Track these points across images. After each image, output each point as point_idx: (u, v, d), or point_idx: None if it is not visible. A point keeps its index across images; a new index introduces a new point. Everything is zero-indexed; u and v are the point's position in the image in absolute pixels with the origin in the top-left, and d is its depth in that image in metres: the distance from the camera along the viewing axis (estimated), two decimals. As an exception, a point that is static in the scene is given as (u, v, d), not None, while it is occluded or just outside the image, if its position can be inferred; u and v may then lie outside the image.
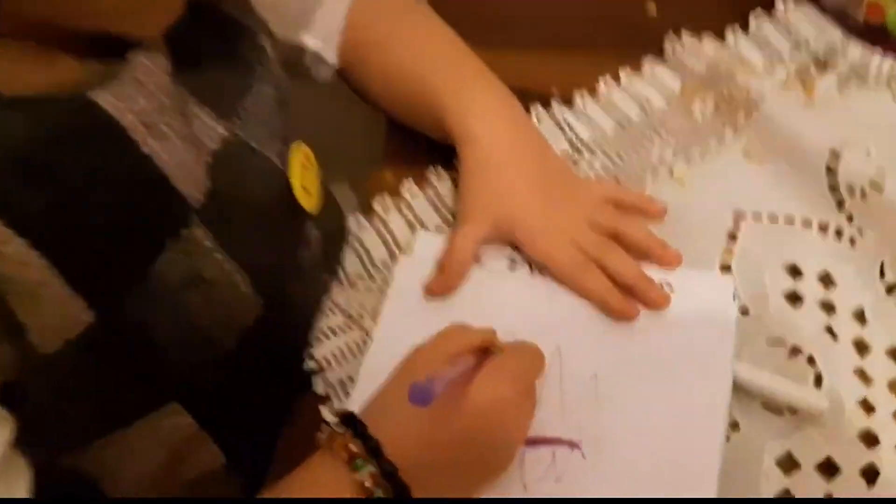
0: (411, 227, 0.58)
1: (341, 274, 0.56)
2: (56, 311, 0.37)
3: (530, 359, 0.44)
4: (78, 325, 0.38)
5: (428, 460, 0.39)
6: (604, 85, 0.62)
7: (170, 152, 0.40)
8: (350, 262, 0.57)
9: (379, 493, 0.38)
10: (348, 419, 0.40)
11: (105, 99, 0.38)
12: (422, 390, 0.36)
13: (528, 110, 0.59)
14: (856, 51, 0.60)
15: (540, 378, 0.45)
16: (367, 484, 0.37)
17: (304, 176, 0.50)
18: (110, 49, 0.40)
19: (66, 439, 0.42)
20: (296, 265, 0.50)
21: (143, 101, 0.40)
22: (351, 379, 0.51)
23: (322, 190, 0.53)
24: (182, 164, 0.41)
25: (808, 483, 0.43)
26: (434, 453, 0.39)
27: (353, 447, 0.38)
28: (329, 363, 0.51)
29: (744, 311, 0.50)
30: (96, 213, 0.38)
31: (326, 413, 0.50)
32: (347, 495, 0.38)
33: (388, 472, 0.38)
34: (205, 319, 0.43)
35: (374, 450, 0.38)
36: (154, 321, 0.41)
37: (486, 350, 0.44)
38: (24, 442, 0.38)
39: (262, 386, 0.49)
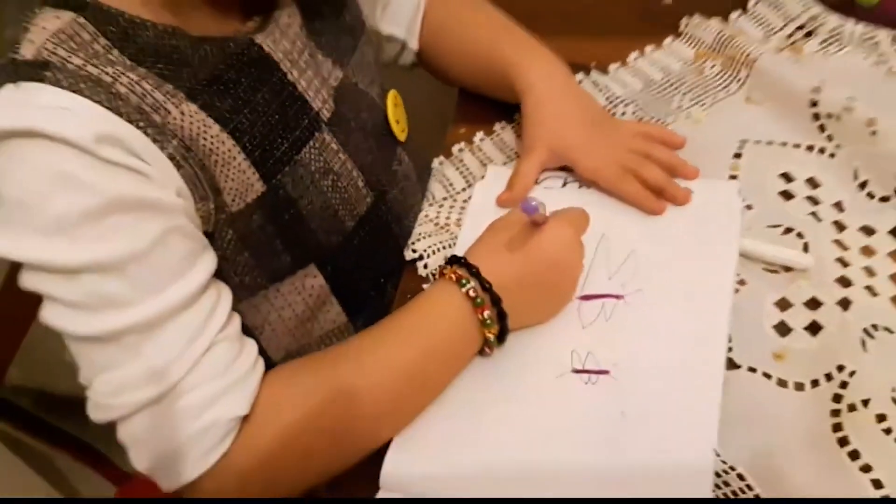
0: (483, 163, 0.74)
1: (430, 196, 0.72)
2: (240, 178, 0.53)
3: (580, 214, 0.59)
4: (253, 191, 0.54)
5: (514, 285, 0.53)
6: (632, 56, 0.78)
7: (307, 81, 0.59)
8: (436, 188, 0.73)
9: (480, 300, 0.52)
10: (453, 259, 0.55)
11: (263, 41, 0.56)
12: (531, 204, 0.51)
13: (572, 75, 0.74)
14: (833, 20, 0.75)
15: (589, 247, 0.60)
16: (472, 294, 0.52)
17: (395, 111, 0.69)
18: (260, 6, 0.58)
19: (238, 290, 0.57)
20: (393, 175, 0.68)
21: (286, 44, 0.58)
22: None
23: (408, 126, 0.71)
24: (316, 91, 0.59)
25: (798, 315, 0.57)
26: (518, 278, 0.54)
27: (460, 271, 0.53)
28: (425, 253, 0.66)
29: (748, 207, 0.64)
30: (263, 115, 0.55)
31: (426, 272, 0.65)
32: (457, 305, 0.53)
33: (485, 287, 0.53)
34: (334, 201, 0.60)
35: (475, 274, 0.53)
36: (301, 196, 0.57)
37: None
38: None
39: (372, 261, 0.65)
